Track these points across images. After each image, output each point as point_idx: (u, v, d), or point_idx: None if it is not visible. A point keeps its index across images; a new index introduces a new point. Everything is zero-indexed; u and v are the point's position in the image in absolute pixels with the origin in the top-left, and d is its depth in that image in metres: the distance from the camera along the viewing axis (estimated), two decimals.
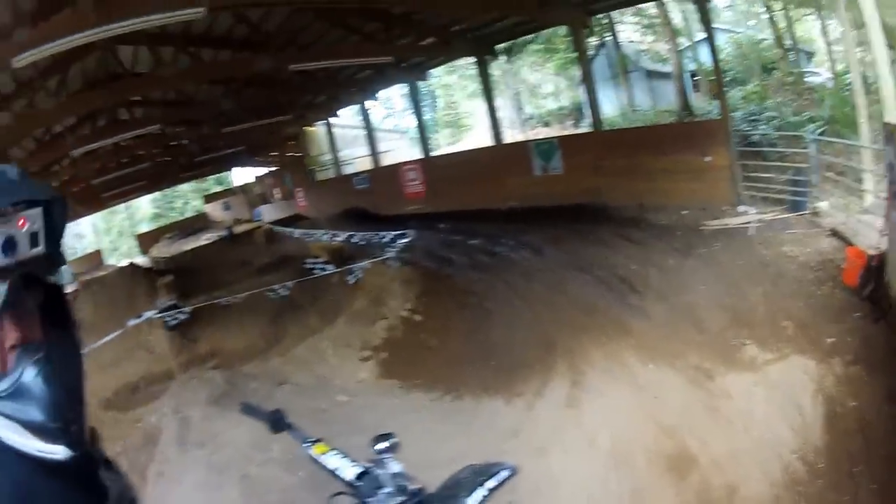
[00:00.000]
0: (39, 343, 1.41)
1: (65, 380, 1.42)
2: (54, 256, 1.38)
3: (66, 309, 1.50)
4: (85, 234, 57.15)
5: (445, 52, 24.36)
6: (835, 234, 11.60)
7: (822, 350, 8.32)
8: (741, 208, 14.49)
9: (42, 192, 1.35)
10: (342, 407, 9.80)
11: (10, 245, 1.29)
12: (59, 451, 1.37)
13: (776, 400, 7.64)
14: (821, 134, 15.89)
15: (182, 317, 13.70)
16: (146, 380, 14.20)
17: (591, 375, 9.44)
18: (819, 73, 24.90)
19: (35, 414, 1.34)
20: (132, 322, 13.34)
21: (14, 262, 1.31)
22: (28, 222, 1.31)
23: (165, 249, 46.49)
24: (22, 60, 11.47)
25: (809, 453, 6.75)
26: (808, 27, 26.75)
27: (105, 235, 64.52)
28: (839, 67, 20.65)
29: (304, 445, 2.88)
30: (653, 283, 12.04)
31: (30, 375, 1.35)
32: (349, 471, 2.63)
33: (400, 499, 2.55)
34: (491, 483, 2.91)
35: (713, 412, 7.76)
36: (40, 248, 1.34)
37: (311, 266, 14.81)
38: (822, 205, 13.04)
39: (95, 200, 44.30)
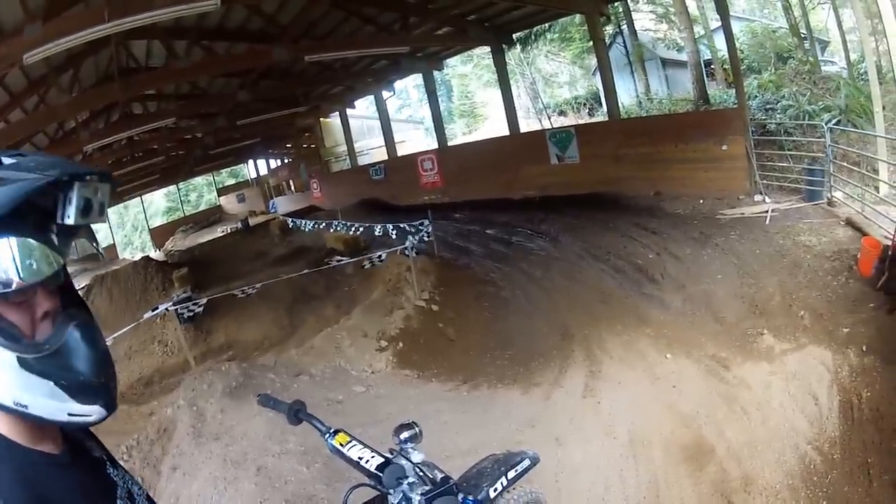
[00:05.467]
0: (77, 309, 1.56)
1: (101, 343, 1.56)
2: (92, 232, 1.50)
3: (72, 284, 1.64)
4: (98, 229, 57.27)
5: (461, 42, 24.45)
6: (850, 223, 11.60)
7: (837, 340, 8.33)
8: (757, 197, 14.47)
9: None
10: (359, 398, 9.79)
11: (89, 210, 1.44)
12: (93, 413, 1.50)
13: (792, 390, 7.65)
14: (836, 123, 15.80)
15: (197, 309, 13.69)
16: (161, 373, 14.33)
17: (608, 365, 9.51)
18: (834, 62, 24.81)
19: (80, 370, 1.47)
20: (147, 315, 13.36)
21: (85, 225, 1.46)
22: (101, 194, 1.46)
23: (180, 242, 46.67)
24: (33, 57, 11.49)
25: (825, 444, 6.76)
26: (823, 16, 26.64)
27: (119, 229, 64.63)
28: (854, 56, 20.55)
29: (326, 436, 2.89)
30: (670, 273, 12.14)
31: (74, 336, 1.48)
32: (371, 461, 2.63)
33: (423, 488, 2.56)
34: (512, 473, 2.92)
35: (730, 402, 7.78)
36: (104, 218, 1.51)
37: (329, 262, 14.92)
38: (838, 194, 13.01)
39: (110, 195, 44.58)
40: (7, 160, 1.40)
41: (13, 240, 1.36)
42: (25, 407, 1.43)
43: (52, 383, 1.44)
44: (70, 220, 1.41)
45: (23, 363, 1.41)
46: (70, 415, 1.47)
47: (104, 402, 1.53)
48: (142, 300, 18.64)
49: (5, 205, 1.32)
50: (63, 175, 1.40)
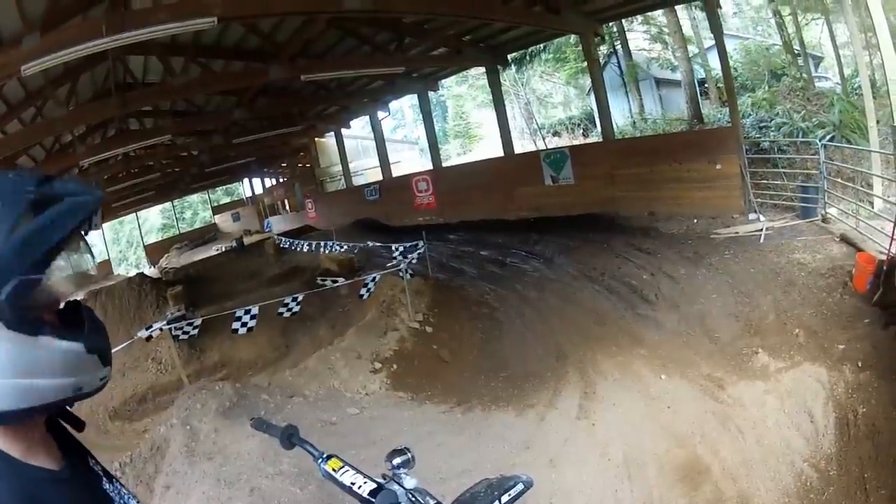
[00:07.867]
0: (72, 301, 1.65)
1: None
2: None
3: None
4: (93, 244, 57.13)
5: (456, 62, 24.34)
6: (844, 239, 11.59)
7: (832, 357, 8.33)
8: (752, 216, 14.46)
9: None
10: (353, 420, 9.71)
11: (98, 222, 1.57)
12: (107, 373, 1.62)
13: (788, 408, 7.65)
14: (830, 139, 15.82)
15: (191, 328, 13.64)
16: (154, 390, 14.25)
17: (602, 386, 9.48)
18: (828, 78, 24.83)
19: (102, 337, 1.62)
20: (141, 333, 13.28)
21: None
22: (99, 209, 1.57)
23: (175, 260, 46.58)
24: (31, 69, 11.50)
25: (821, 461, 6.78)
26: (816, 32, 26.66)
27: (114, 245, 64.49)
28: (847, 72, 20.56)
29: (318, 461, 2.87)
30: (664, 293, 12.13)
31: (86, 311, 1.63)
32: (364, 487, 2.62)
33: None
34: (506, 497, 2.90)
35: (725, 421, 7.77)
36: (100, 229, 1.70)
37: (322, 281, 14.84)
38: (832, 211, 13.00)
39: (105, 210, 44.33)
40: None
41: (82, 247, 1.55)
42: (80, 389, 1.51)
43: (96, 357, 1.54)
44: (94, 230, 1.58)
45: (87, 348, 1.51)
46: (101, 379, 1.59)
47: (110, 361, 1.63)
48: (136, 317, 18.51)
49: (83, 216, 1.48)
50: (99, 194, 1.53)
